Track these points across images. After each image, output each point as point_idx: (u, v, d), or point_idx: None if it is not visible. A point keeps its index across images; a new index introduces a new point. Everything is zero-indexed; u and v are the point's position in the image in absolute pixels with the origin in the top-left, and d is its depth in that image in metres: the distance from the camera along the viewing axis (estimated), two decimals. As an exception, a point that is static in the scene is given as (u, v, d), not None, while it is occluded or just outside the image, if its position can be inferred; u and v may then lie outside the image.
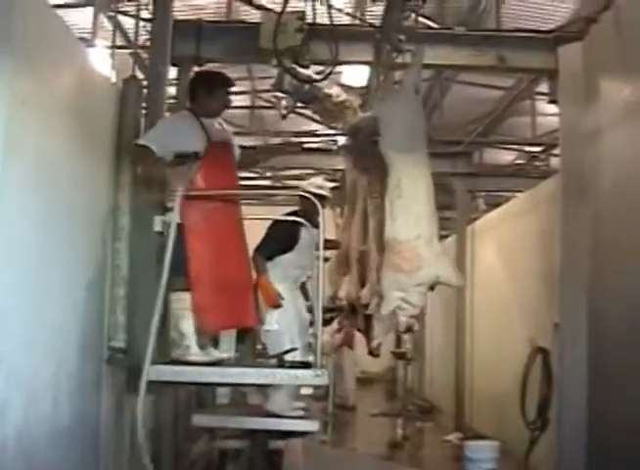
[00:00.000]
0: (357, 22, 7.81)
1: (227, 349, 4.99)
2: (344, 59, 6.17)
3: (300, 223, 5.86)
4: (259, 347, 6.44)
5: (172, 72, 6.12)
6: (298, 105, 6.54)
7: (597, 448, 5.53)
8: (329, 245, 6.72)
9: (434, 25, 7.28)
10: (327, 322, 9.04)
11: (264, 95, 10.19)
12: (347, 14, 7.86)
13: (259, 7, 7.69)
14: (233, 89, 5.14)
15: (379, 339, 5.92)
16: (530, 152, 12.46)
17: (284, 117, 5.97)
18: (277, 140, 10.56)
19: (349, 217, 6.93)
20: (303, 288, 6.45)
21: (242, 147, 5.24)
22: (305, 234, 6.06)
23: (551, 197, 7.06)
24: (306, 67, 5.91)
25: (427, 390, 13.94)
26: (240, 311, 4.79)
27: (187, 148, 4.72)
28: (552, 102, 6.58)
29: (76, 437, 4.48)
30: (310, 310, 5.96)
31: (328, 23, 5.66)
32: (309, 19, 5.71)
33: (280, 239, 5.96)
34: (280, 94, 6.02)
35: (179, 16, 6.47)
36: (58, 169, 4.26)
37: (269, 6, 7.18)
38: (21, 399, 3.77)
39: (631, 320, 5.05)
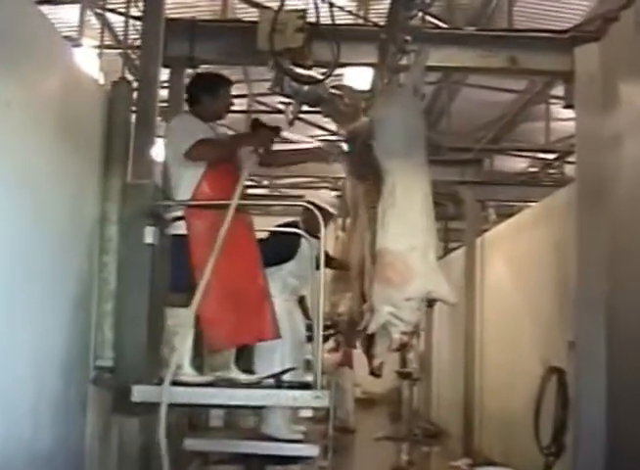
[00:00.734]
0: (360, 21, 7.83)
1: (223, 367, 4.98)
2: (347, 60, 6.17)
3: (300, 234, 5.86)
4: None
5: (164, 74, 6.12)
6: (306, 109, 6.52)
7: (616, 476, 5.49)
8: (334, 264, 6.73)
9: (443, 25, 7.29)
10: (324, 339, 8.98)
11: (262, 99, 10.22)
12: (350, 12, 7.87)
13: (257, 5, 7.71)
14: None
15: (380, 358, 5.90)
16: (544, 159, 12.48)
17: (291, 122, 5.97)
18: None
19: (352, 229, 6.92)
20: (302, 303, 6.43)
21: (255, 122, 5.27)
22: (306, 244, 6.06)
23: (566, 207, 7.05)
24: (308, 68, 5.90)
25: (434, 412, 13.90)
26: (257, 324, 4.79)
27: None
28: (567, 106, 6.57)
29: (59, 462, 4.45)
30: (309, 327, 5.94)
31: (329, 22, 5.66)
32: (311, 18, 5.70)
33: (280, 246, 5.96)
34: (286, 99, 6.01)
35: (171, 14, 6.47)
36: (42, 176, 4.24)
37: (267, 4, 7.18)
38: (-1, 423, 3.74)
39: (652, 339, 5.03)
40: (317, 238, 5.31)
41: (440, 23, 7.53)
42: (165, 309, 4.74)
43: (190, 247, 4.65)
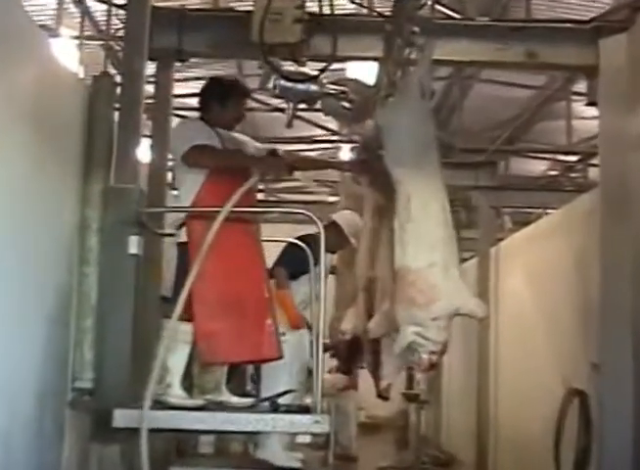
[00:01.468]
0: (364, 11, 7.83)
1: (213, 389, 4.97)
2: (348, 54, 6.18)
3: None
4: (249, 387, 6.41)
5: (150, 68, 6.11)
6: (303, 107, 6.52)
7: (644, 509, 5.48)
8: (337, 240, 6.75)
9: (454, 15, 7.30)
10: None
11: (257, 96, 10.21)
12: (352, 1, 7.87)
13: (251, -7, 7.70)
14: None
15: (389, 379, 5.90)
16: (565, 161, 12.49)
17: (289, 124, 5.99)
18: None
19: (356, 239, 6.91)
20: None
21: (271, 153, 5.33)
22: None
23: (589, 214, 7.04)
24: (302, 64, 5.91)
25: (444, 438, 13.88)
26: (257, 341, 4.80)
27: None
28: (590, 103, 6.57)
29: (33, 493, 4.43)
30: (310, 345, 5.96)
31: (328, 12, 5.66)
32: (311, 8, 5.71)
33: (297, 261, 6.03)
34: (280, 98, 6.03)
35: (158, 2, 6.47)
36: (15, 180, 4.22)
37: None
38: (-33, 450, 3.72)
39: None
40: (332, 252, 5.40)
41: (451, 13, 7.54)
42: (162, 321, 4.74)
43: (190, 255, 4.68)
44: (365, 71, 8.11)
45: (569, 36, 6.40)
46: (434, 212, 5.48)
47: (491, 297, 10.75)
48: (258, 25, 5.53)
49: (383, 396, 6.04)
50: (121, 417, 4.43)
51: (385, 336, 5.93)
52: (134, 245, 4.77)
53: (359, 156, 6.70)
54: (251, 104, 10.41)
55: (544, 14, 7.66)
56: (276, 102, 8.80)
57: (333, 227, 6.57)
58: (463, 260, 13.54)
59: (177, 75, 7.22)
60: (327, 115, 6.71)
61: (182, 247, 4.84)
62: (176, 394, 4.68)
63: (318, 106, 6.26)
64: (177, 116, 9.16)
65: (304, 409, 4.70)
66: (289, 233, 6.29)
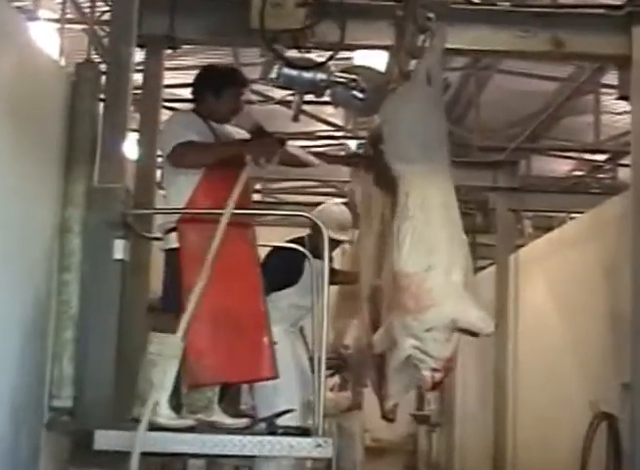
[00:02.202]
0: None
1: (205, 408, 4.96)
2: (356, 42, 6.17)
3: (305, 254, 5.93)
4: (244, 406, 6.39)
5: (138, 56, 6.12)
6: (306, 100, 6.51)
7: None
8: (339, 278, 6.72)
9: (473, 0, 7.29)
10: (329, 376, 8.99)
11: (256, 87, 10.22)
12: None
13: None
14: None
15: (395, 398, 5.88)
16: (592, 161, 12.47)
17: (295, 117, 5.98)
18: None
19: (362, 243, 6.90)
20: (301, 332, 6.44)
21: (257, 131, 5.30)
22: (309, 266, 6.14)
23: (619, 219, 7.04)
24: (307, 50, 5.90)
25: (457, 464, 13.85)
26: (252, 359, 4.80)
27: None
28: (622, 97, 6.57)
29: (6, 521, 4.43)
30: (310, 361, 5.95)
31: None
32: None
33: (282, 270, 6.00)
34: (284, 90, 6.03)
35: (148, -17, 6.48)
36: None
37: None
38: None
39: None
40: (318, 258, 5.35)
41: (469, -2, 7.54)
42: (149, 334, 4.73)
43: (181, 263, 4.68)
44: (374, 61, 8.12)
45: (599, 23, 6.39)
46: (434, 211, 5.45)
47: (510, 310, 10.74)
48: (259, 10, 5.53)
49: (388, 417, 6.02)
50: (103, 439, 4.42)
51: (390, 350, 5.91)
52: (119, 249, 4.78)
53: (365, 151, 6.69)
54: (251, 96, 10.43)
55: (572, -2, 7.63)
56: (277, 94, 8.81)
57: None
58: (479, 269, 13.56)
59: (168, 64, 7.23)
60: (337, 106, 6.70)
61: (171, 254, 4.80)
62: (164, 413, 4.65)
63: (324, 98, 6.26)
64: (168, 108, 9.17)
65: (305, 431, 4.70)
66: (283, 237, 6.29)
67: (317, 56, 5.89)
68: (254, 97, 10.42)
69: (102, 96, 5.43)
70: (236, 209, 4.63)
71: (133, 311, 5.16)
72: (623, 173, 11.65)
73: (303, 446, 4.50)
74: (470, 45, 6.43)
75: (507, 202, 11.17)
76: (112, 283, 4.85)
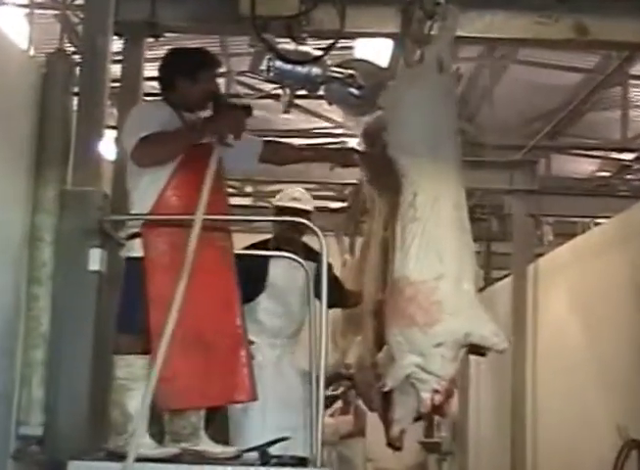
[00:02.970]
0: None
1: (190, 435, 4.95)
2: (357, 29, 6.17)
3: (266, 256, 6.11)
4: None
5: (116, 45, 6.12)
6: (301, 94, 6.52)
7: None
8: (341, 298, 6.72)
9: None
10: (331, 400, 8.99)
11: (244, 79, 10.24)
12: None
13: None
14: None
15: (402, 424, 5.87)
16: (619, 160, 12.48)
17: (285, 112, 5.99)
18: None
19: (365, 252, 6.91)
20: None
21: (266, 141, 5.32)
22: (279, 269, 6.28)
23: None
24: (301, 41, 5.90)
25: (470, 497, 13.87)
26: (228, 381, 4.75)
27: None
28: (652, 91, 6.58)
29: None
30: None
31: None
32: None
33: (245, 279, 6.02)
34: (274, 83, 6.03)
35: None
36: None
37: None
38: None
39: None
40: (311, 260, 5.41)
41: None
42: (114, 358, 4.71)
43: (147, 275, 4.62)
44: (376, 51, 8.14)
45: (628, 7, 6.37)
46: (445, 212, 5.42)
47: (528, 325, 10.74)
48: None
49: (394, 445, 6.00)
50: (75, 471, 4.40)
51: (386, 368, 5.90)
52: (95, 260, 4.78)
53: (360, 146, 6.68)
54: (241, 90, 10.46)
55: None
56: (269, 87, 8.80)
57: (283, 213, 6.59)
58: (494, 280, 13.59)
59: (149, 54, 7.22)
60: (331, 103, 6.70)
61: (133, 263, 4.71)
62: (143, 443, 4.63)
63: (319, 92, 6.26)
64: (148, 102, 9.19)
65: (301, 461, 4.68)
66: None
67: (313, 47, 5.89)
68: (244, 90, 10.45)
69: (76, 89, 5.42)
70: (210, 209, 4.59)
71: (110, 329, 5.11)
72: (654, 174, 11.70)
73: (299, 477, 4.52)
74: (483, 32, 6.41)
75: (525, 206, 11.17)
76: (86, 297, 4.85)
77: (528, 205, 11.18)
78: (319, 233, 4.84)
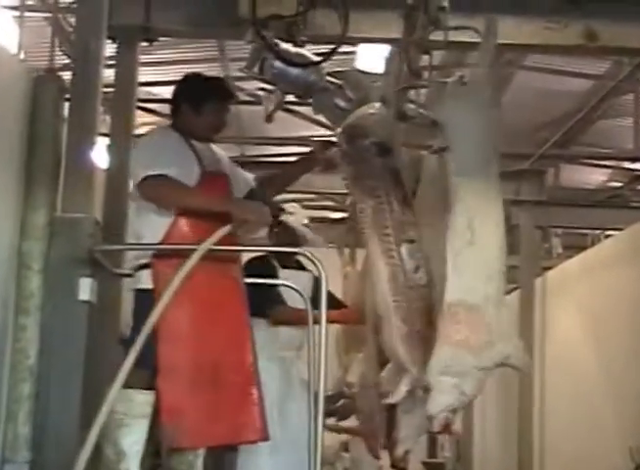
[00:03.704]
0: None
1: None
2: (357, 34, 6.17)
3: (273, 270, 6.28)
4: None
5: (110, 49, 6.13)
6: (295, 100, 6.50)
7: None
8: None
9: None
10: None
11: (242, 84, 10.23)
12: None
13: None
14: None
15: (406, 444, 5.87)
16: (632, 170, 12.47)
17: (269, 117, 5.95)
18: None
19: (366, 265, 6.90)
20: None
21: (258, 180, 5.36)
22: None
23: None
24: (300, 44, 5.90)
25: (475, 521, 13.86)
26: (238, 420, 4.75)
27: (179, 179, 4.79)
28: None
29: None
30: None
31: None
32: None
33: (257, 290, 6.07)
34: (267, 85, 6.00)
35: (121, -33, 6.50)
36: None
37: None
38: None
39: None
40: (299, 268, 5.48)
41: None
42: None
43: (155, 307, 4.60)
44: (377, 57, 8.15)
45: (638, 13, 6.39)
46: (494, 235, 5.45)
47: (536, 341, 10.74)
48: (253, -3, 5.54)
49: (398, 466, 6.01)
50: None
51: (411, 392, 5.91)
52: (86, 289, 4.72)
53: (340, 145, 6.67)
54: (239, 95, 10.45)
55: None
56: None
57: (282, 230, 6.62)
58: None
59: (143, 58, 7.24)
60: (317, 112, 6.69)
61: (142, 295, 4.77)
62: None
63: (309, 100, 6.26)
64: (143, 109, 9.20)
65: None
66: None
67: (312, 52, 5.89)
68: (243, 96, 10.45)
69: (67, 96, 5.41)
70: (222, 244, 4.61)
71: (101, 362, 5.09)
72: (667, 185, 11.71)
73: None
74: (491, 38, 6.44)
75: (532, 217, 11.19)
76: (76, 328, 4.76)
77: (536, 216, 11.20)
78: (319, 267, 4.79)
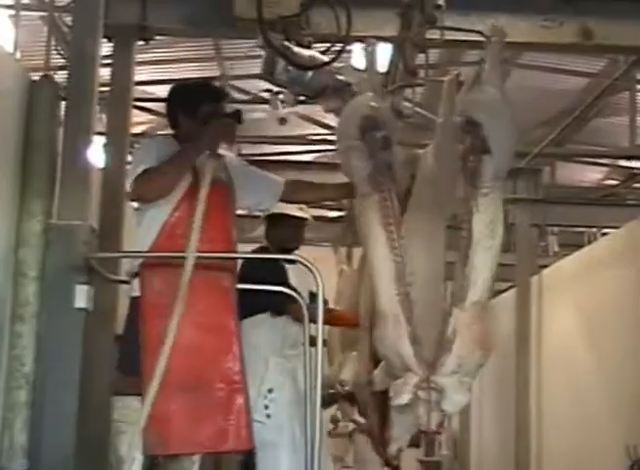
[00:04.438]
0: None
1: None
2: (357, 33, 6.17)
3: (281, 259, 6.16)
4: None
5: (106, 48, 6.13)
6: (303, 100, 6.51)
7: None
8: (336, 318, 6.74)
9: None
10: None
11: (240, 83, 10.24)
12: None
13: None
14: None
15: (399, 442, 5.88)
16: (628, 168, 12.48)
17: (282, 120, 5.94)
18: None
19: (362, 264, 6.91)
20: None
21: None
22: (294, 279, 6.23)
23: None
24: (307, 46, 5.90)
25: (472, 519, 13.88)
26: (222, 428, 4.68)
27: None
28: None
29: None
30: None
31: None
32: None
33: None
34: (274, 87, 6.00)
35: (116, -34, 6.51)
36: None
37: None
38: None
39: None
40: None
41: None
42: (111, 399, 4.68)
43: (142, 315, 4.57)
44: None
45: (634, 10, 6.41)
46: (499, 235, 5.48)
47: (532, 340, 10.75)
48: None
49: (392, 464, 6.02)
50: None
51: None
52: (82, 297, 4.70)
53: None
54: (236, 95, 10.45)
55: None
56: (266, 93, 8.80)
57: (281, 222, 6.58)
58: (497, 292, 13.56)
59: (139, 58, 7.23)
60: (327, 111, 6.69)
61: (133, 303, 4.70)
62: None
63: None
64: (139, 108, 9.18)
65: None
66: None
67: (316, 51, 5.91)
68: (239, 95, 10.45)
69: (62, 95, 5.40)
70: (215, 246, 4.59)
71: (98, 369, 5.09)
72: (663, 183, 11.72)
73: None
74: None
75: (529, 215, 11.20)
76: (72, 335, 4.75)
77: (533, 214, 11.20)
78: (316, 274, 4.77)
